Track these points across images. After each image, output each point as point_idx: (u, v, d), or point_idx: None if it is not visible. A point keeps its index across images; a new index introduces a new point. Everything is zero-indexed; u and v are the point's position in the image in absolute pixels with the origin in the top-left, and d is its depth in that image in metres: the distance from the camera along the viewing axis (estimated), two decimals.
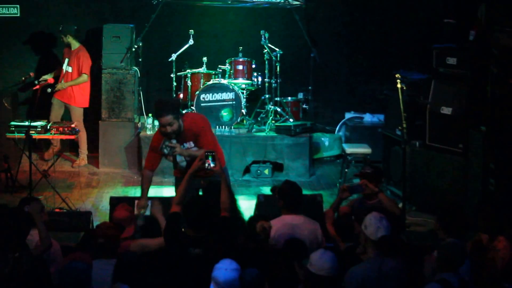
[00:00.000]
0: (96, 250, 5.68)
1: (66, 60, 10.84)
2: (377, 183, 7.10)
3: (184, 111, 7.82)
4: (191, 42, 10.67)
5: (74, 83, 10.77)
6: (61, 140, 10.42)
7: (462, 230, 5.88)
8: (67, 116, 10.86)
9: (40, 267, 5.48)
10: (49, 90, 10.46)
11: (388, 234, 5.50)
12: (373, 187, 7.04)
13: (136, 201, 7.09)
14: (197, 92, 10.56)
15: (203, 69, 10.77)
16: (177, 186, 6.99)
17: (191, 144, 6.98)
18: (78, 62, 10.79)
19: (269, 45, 10.78)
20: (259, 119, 10.95)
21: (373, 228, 5.48)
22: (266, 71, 10.91)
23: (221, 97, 10.58)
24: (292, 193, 6.47)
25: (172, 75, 10.77)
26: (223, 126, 10.59)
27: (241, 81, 10.78)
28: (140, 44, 10.93)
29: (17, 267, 5.30)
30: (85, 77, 10.79)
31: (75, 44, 10.85)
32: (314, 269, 5.03)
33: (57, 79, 10.73)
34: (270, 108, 10.77)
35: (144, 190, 7.05)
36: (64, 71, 10.82)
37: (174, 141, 6.89)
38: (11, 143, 9.39)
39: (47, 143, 10.94)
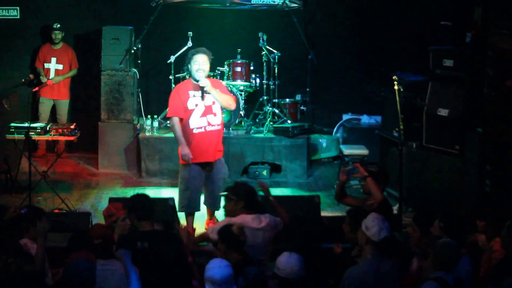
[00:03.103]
0: (93, 251, 5.68)
1: (54, 59, 11.08)
2: (379, 183, 7.06)
3: None
4: (189, 44, 10.69)
5: (69, 75, 11.19)
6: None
7: (462, 232, 5.90)
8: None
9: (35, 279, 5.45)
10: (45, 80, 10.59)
11: (389, 236, 5.53)
12: (363, 171, 6.95)
13: (180, 152, 7.74)
14: None
15: None
16: (182, 174, 7.89)
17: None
18: (69, 58, 11.15)
19: (267, 47, 10.82)
20: (257, 120, 10.99)
21: (376, 229, 5.46)
22: (264, 73, 10.95)
23: None
24: (251, 192, 6.48)
25: (170, 77, 10.80)
26: None
27: (239, 82, 10.82)
28: (139, 46, 10.97)
29: (7, 272, 5.29)
30: (76, 71, 11.25)
31: (61, 42, 11.12)
32: (283, 273, 5.07)
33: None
34: (268, 109, 10.82)
35: (181, 138, 7.74)
36: (51, 69, 11.06)
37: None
38: (11, 144, 9.42)
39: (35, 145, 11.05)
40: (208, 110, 7.77)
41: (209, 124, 7.76)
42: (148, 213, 6.05)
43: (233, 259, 5.58)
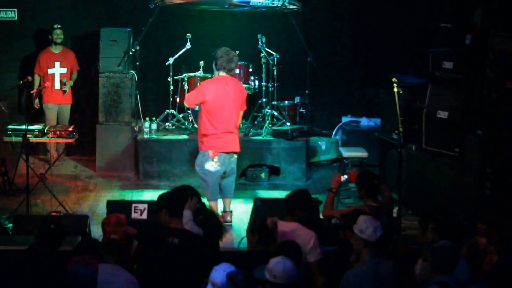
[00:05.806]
0: (107, 249, 5.57)
1: (58, 63, 10.92)
2: (360, 188, 7.06)
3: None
4: (188, 46, 10.67)
5: (72, 82, 11.06)
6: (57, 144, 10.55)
7: (457, 233, 5.88)
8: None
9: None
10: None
11: (384, 231, 5.51)
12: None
13: None
14: None
15: (200, 73, 10.77)
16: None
17: None
18: (71, 61, 11.03)
19: (266, 49, 10.78)
20: (256, 123, 10.96)
21: (371, 230, 5.42)
22: (263, 75, 10.92)
23: None
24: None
25: (169, 79, 10.77)
26: None
27: None
28: (138, 47, 10.93)
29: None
30: (77, 74, 11.13)
31: (61, 45, 11.01)
32: (282, 280, 4.93)
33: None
34: (267, 112, 10.78)
35: None
36: (56, 74, 10.91)
37: None
38: (8, 147, 9.37)
39: (45, 150, 10.99)
40: None
41: None
42: (180, 209, 6.12)
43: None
